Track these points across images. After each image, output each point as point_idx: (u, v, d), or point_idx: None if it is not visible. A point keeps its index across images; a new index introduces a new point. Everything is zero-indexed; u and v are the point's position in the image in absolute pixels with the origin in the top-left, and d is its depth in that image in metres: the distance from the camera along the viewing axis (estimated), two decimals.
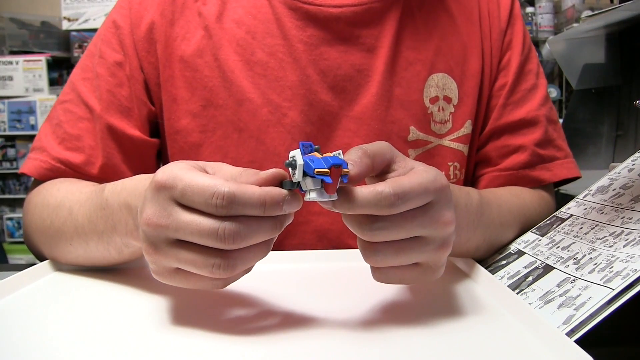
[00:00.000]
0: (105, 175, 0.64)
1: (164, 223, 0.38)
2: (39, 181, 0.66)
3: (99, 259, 0.55)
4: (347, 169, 0.38)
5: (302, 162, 0.37)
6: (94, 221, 0.52)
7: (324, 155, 0.38)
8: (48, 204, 0.60)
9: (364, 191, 0.38)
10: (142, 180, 0.48)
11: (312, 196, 0.37)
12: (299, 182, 0.38)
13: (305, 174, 0.37)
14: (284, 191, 0.38)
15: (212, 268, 0.38)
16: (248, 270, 0.42)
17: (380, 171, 0.42)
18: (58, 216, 0.58)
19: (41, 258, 0.62)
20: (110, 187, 0.51)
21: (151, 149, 0.69)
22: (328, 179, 0.36)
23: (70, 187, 0.61)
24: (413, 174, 0.40)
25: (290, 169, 0.38)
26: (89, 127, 0.66)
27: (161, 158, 0.73)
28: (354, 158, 0.39)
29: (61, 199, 0.59)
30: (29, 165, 0.66)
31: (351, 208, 0.38)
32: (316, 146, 0.39)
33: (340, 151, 0.39)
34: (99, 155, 0.65)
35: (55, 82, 2.83)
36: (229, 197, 0.37)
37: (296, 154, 0.38)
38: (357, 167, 0.39)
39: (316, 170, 0.36)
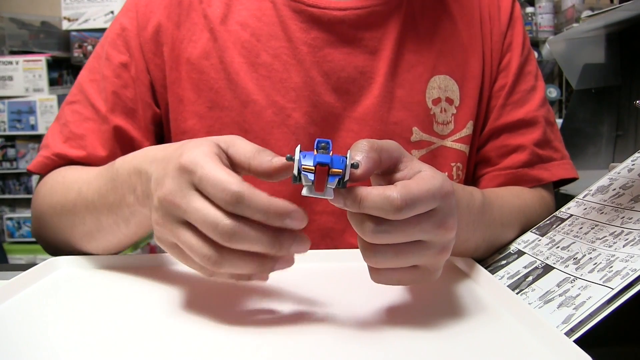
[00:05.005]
0: None
1: (177, 202, 0.40)
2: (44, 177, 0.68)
3: (109, 236, 0.57)
4: (340, 169, 0.38)
5: (298, 158, 0.38)
6: (104, 194, 0.54)
7: (333, 155, 0.38)
8: (56, 191, 0.63)
9: (372, 193, 0.38)
10: (152, 149, 0.50)
11: (304, 191, 0.38)
12: (300, 177, 0.38)
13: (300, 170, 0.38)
14: (291, 206, 0.39)
15: (201, 257, 0.40)
16: (235, 277, 0.42)
17: (386, 169, 0.42)
18: (67, 199, 0.60)
19: (54, 251, 0.64)
20: (120, 159, 0.54)
21: None
22: (311, 176, 0.37)
23: (75, 172, 0.63)
24: (421, 180, 0.40)
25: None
26: (94, 127, 0.67)
27: None
28: (361, 155, 0.40)
29: (69, 183, 0.62)
30: (33, 163, 0.68)
31: (358, 208, 0.38)
32: (326, 140, 0.40)
33: (349, 152, 0.39)
34: (102, 156, 0.66)
35: (55, 82, 2.82)
36: (237, 196, 0.38)
37: (296, 150, 0.39)
38: (365, 164, 0.39)
39: (302, 166, 0.37)
